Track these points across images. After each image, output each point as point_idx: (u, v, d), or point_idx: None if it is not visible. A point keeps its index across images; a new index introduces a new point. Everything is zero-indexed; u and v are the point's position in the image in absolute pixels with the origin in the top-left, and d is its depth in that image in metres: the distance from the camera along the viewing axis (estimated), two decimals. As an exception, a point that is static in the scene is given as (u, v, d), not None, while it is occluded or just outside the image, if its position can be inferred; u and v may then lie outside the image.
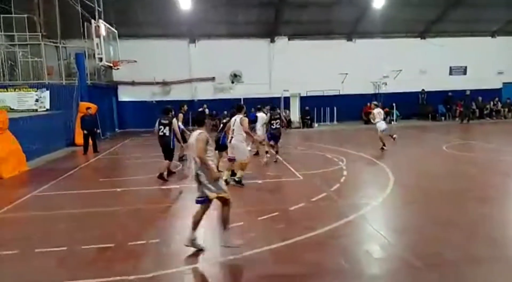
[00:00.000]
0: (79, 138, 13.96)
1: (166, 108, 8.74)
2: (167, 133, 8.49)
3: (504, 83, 23.31)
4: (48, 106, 14.51)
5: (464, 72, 23.18)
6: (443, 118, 22.12)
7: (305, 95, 21.31)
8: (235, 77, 20.92)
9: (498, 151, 11.63)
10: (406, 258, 4.43)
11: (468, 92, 20.86)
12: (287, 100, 21.37)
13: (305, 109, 20.93)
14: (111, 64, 16.19)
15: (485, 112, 22.00)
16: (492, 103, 22.25)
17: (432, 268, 4.16)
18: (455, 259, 4.43)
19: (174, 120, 8.65)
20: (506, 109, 22.07)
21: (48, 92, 14.60)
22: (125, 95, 20.92)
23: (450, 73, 23.11)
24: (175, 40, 20.26)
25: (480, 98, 21.84)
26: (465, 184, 7.96)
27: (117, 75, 20.17)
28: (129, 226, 5.84)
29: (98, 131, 14.22)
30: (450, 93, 22.16)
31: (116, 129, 20.36)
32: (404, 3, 19.26)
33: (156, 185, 8.31)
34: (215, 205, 4.88)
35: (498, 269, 4.25)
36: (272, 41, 21.11)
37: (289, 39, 21.18)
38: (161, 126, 8.52)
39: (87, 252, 4.84)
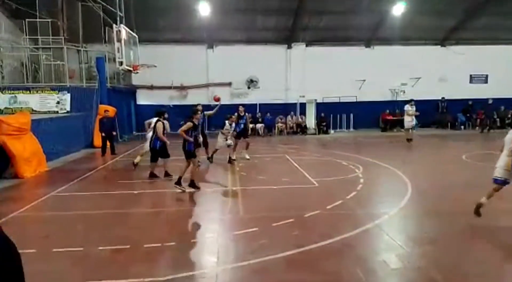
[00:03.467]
0: (97, 141, 14.20)
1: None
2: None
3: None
4: (68, 109, 14.86)
5: (485, 81, 22.68)
6: (462, 127, 21.59)
7: (321, 101, 21.20)
8: (251, 82, 21.00)
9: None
10: (425, 270, 4.31)
11: (490, 101, 20.34)
12: (303, 106, 21.32)
13: (321, 116, 20.81)
14: (131, 68, 16.45)
15: (507, 121, 21.41)
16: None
17: None
18: (477, 273, 4.28)
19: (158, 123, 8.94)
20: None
21: (69, 94, 14.95)
22: (144, 99, 21.20)
23: (471, 82, 22.62)
24: (194, 46, 20.48)
25: (502, 107, 21.30)
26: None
27: (136, 79, 20.48)
28: (145, 228, 5.88)
29: (115, 134, 14.43)
30: (470, 102, 21.69)
31: (134, 132, 20.63)
32: (424, 10, 19.00)
33: (173, 188, 8.36)
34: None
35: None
36: (289, 47, 21.11)
37: (306, 46, 21.12)
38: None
39: (103, 253, 4.89)
